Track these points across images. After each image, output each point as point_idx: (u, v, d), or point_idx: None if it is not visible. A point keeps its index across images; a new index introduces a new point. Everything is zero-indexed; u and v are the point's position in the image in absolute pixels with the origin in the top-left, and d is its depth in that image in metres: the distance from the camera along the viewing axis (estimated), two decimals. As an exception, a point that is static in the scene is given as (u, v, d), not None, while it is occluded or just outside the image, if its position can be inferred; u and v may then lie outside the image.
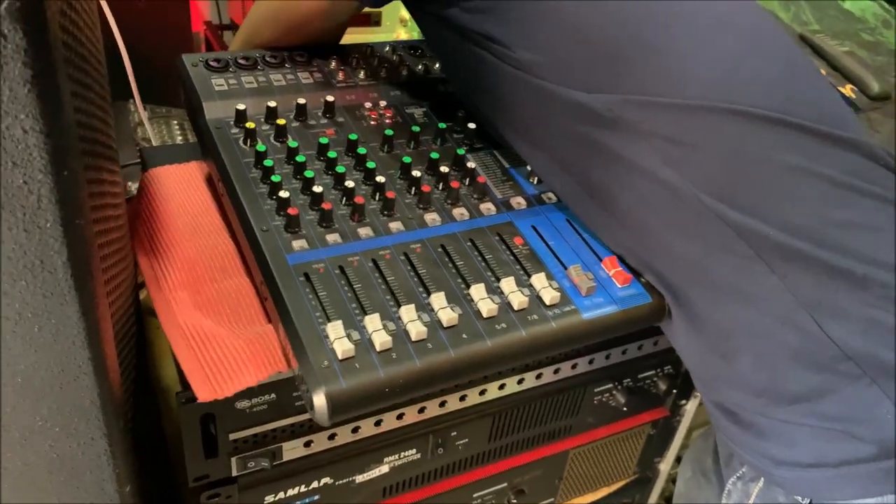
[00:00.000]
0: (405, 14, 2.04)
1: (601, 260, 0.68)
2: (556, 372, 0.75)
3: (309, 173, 0.67)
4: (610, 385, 0.83)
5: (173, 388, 0.77)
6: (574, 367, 0.76)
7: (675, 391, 0.90)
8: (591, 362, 0.77)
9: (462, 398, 0.71)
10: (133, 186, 1.15)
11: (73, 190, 0.39)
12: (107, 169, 0.56)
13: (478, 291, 0.61)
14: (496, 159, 0.76)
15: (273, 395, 0.61)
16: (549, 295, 0.62)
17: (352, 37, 2.11)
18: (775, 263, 0.58)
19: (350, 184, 0.66)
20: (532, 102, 0.64)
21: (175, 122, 1.56)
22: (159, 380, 0.79)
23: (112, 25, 0.93)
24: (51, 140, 0.36)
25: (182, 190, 0.77)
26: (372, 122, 0.76)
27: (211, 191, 0.77)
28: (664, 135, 0.59)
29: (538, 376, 0.74)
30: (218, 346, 0.58)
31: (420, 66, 0.83)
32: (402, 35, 2.05)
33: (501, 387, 0.73)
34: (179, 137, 1.47)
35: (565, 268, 0.66)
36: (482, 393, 0.72)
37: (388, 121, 0.77)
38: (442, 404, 0.70)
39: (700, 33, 0.61)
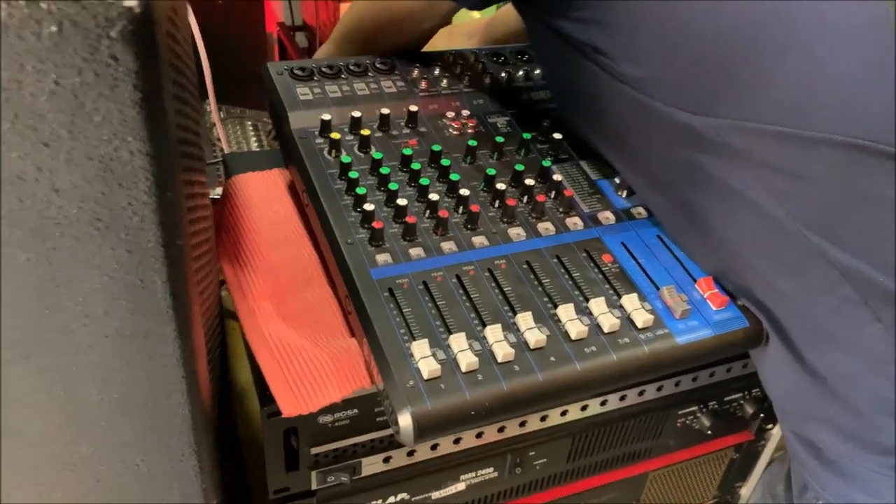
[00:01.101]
0: (476, 14, 2.02)
1: (695, 280, 0.64)
2: (640, 394, 0.72)
3: (393, 185, 0.65)
4: (695, 408, 0.80)
5: (248, 390, 0.77)
6: (659, 389, 0.73)
7: (761, 415, 0.86)
8: (677, 384, 0.74)
9: (543, 418, 0.69)
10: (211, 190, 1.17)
11: (175, 211, 0.39)
12: (198, 181, 0.56)
13: (566, 312, 0.59)
14: (582, 171, 0.74)
15: (355, 411, 0.60)
16: (642, 317, 0.59)
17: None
18: (882, 311, 0.54)
19: (434, 196, 0.65)
20: (633, 117, 0.61)
21: (249, 122, 1.58)
22: (234, 381, 0.80)
23: (194, 29, 0.94)
24: (156, 162, 0.36)
25: (265, 198, 0.77)
26: (454, 132, 0.75)
27: (293, 199, 0.77)
28: (773, 165, 0.55)
29: (622, 398, 0.72)
30: (303, 359, 0.58)
31: (503, 74, 0.81)
32: (473, 35, 2.03)
33: (584, 408, 0.70)
34: (253, 138, 1.49)
35: (658, 288, 0.63)
36: (563, 413, 0.70)
37: (470, 130, 0.76)
38: (522, 424, 0.68)
39: (823, 55, 0.56)
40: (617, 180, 0.72)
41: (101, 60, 0.32)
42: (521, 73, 0.82)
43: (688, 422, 0.80)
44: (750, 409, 0.84)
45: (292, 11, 2.27)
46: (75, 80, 0.33)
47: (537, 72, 0.83)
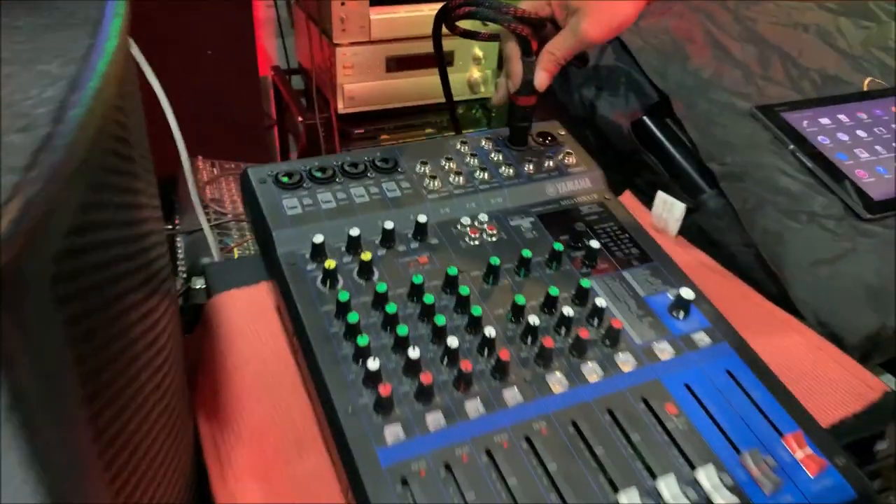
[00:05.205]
0: (479, 52, 1.90)
1: (782, 435, 0.52)
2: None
3: (402, 329, 0.53)
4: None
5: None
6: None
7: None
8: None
9: None
10: (196, 280, 1.05)
11: None
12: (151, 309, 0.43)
13: (628, 497, 0.46)
14: (628, 286, 0.61)
15: None
16: (725, 499, 0.47)
17: (421, 79, 1.93)
18: None
19: (452, 342, 0.53)
20: None
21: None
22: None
23: (167, 110, 0.82)
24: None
25: (250, 324, 0.65)
26: (472, 243, 0.63)
27: (282, 322, 0.65)
28: None
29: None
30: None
31: (527, 166, 0.69)
32: (475, 73, 1.91)
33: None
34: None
35: (738, 451, 0.50)
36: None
37: (490, 238, 0.63)
38: None
39: None
40: (670, 295, 0.60)
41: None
42: (547, 163, 0.70)
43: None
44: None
45: (287, 54, 2.17)
46: None
47: (565, 159, 0.71)
